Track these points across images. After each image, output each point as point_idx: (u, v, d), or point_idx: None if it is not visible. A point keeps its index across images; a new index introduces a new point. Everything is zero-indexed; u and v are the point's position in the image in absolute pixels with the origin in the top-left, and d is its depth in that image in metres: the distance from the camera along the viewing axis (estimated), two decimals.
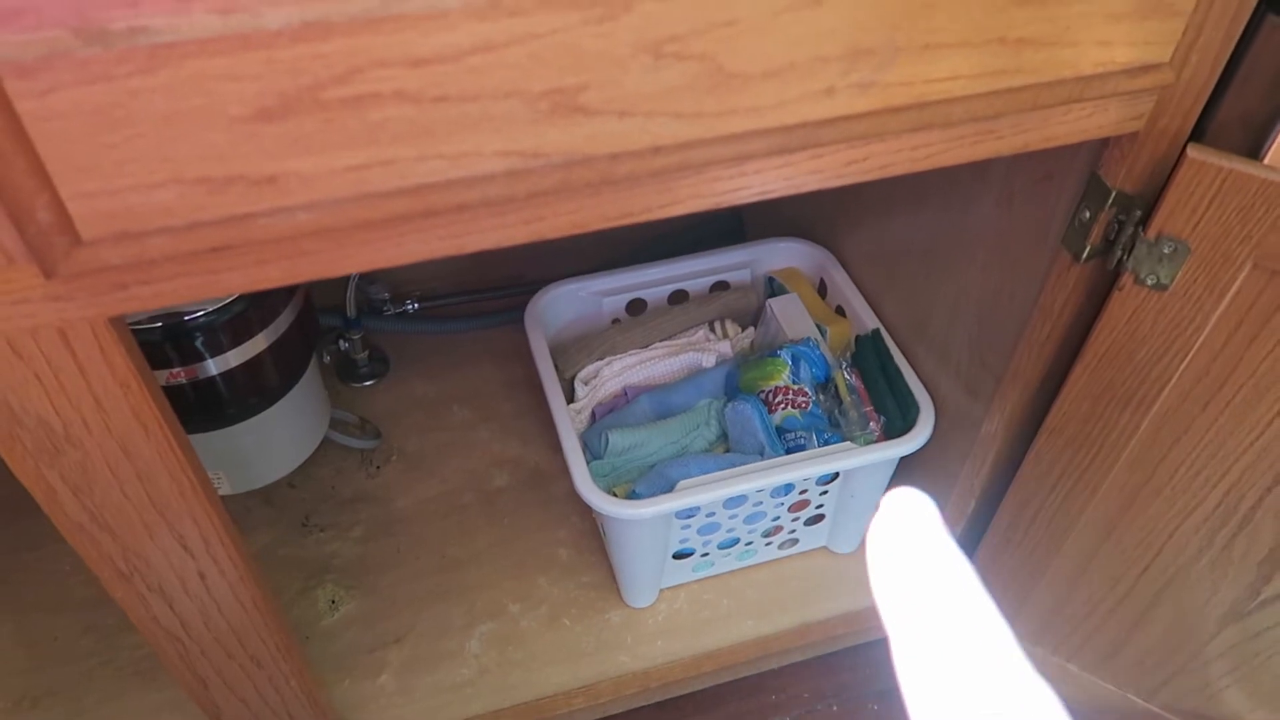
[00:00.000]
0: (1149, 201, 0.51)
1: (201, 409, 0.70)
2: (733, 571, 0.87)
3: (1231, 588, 0.63)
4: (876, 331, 0.83)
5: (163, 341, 0.64)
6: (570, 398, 0.87)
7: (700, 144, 0.40)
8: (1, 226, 0.34)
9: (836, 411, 0.81)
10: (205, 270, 0.38)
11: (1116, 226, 0.53)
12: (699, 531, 0.78)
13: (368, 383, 1.02)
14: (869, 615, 0.84)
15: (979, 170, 0.65)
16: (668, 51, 0.37)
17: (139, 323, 0.63)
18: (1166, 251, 0.51)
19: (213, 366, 0.67)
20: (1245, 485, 0.57)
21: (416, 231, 0.40)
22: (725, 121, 0.40)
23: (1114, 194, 0.52)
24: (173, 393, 0.67)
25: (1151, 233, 0.51)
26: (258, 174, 0.35)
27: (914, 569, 0.21)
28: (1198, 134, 0.50)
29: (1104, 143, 0.52)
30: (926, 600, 0.20)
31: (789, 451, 0.77)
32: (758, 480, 0.72)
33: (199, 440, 0.72)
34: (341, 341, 1.01)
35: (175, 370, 0.66)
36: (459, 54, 0.34)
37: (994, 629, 0.20)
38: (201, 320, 0.65)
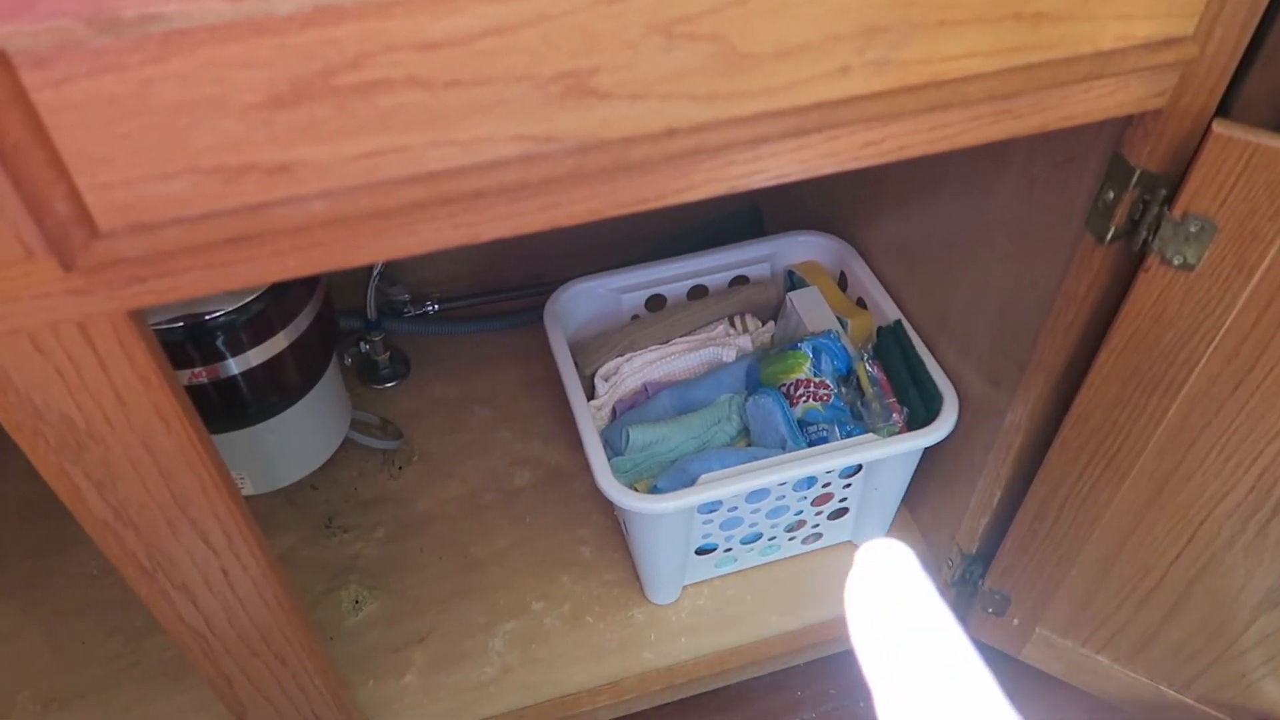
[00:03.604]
0: (1174, 180, 0.50)
1: (223, 408, 0.70)
2: (756, 567, 0.86)
3: (1266, 575, 0.62)
4: (898, 322, 0.82)
5: (184, 341, 0.65)
6: (591, 395, 0.87)
7: (715, 126, 0.40)
8: (20, 219, 0.34)
9: (859, 404, 0.80)
10: (221, 262, 0.38)
11: (1141, 207, 0.52)
12: (721, 526, 0.78)
13: (389, 384, 1.03)
14: None
15: (998, 156, 0.65)
16: (679, 32, 0.36)
17: (160, 322, 0.64)
18: (1193, 230, 0.50)
19: (234, 366, 0.68)
20: (1278, 469, 0.56)
21: (431, 220, 0.40)
22: (739, 103, 0.40)
23: (1138, 173, 0.51)
24: (195, 392, 0.67)
25: (1177, 212, 0.50)
26: (271, 162, 0.35)
27: (894, 619, 0.20)
28: (1223, 110, 0.49)
29: (1126, 121, 0.51)
30: (909, 652, 0.20)
31: (811, 444, 0.76)
32: (780, 474, 0.71)
33: (221, 440, 0.72)
34: (362, 344, 1.01)
35: (197, 370, 0.67)
36: (470, 37, 0.34)
37: (979, 679, 0.19)
38: (222, 319, 0.65)
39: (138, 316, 0.40)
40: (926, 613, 0.20)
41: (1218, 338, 0.53)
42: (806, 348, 0.81)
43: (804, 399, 0.79)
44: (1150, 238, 0.52)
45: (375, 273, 0.95)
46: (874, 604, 0.21)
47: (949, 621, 0.20)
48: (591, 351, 0.88)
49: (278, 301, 0.69)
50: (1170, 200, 0.50)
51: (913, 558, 0.21)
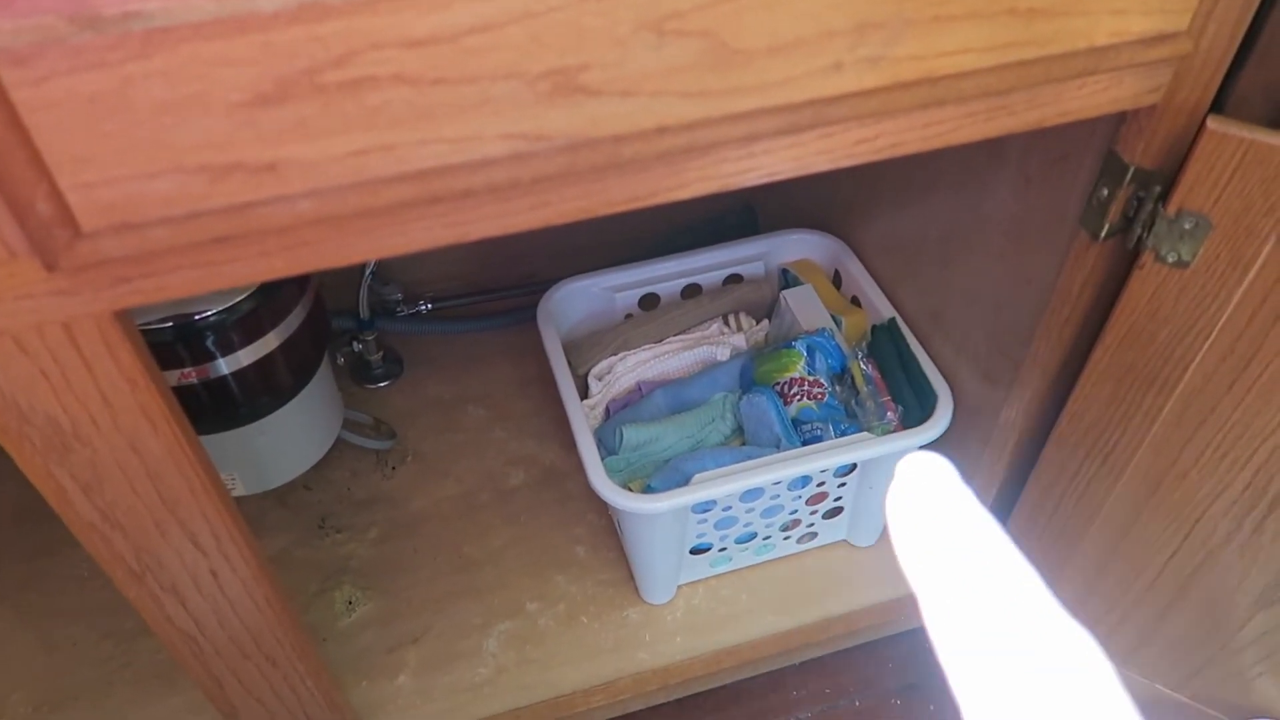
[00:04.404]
0: (1168, 177, 0.50)
1: (214, 409, 0.70)
2: (751, 566, 0.86)
3: (1262, 573, 0.62)
4: (893, 320, 0.82)
5: (174, 341, 0.64)
6: (584, 394, 0.86)
7: (706, 124, 0.40)
8: (2, 220, 0.33)
9: (853, 402, 0.80)
10: (207, 262, 0.38)
11: (1135, 204, 0.52)
12: (716, 526, 0.77)
13: (382, 384, 1.02)
14: (891, 609, 0.83)
15: (994, 153, 0.64)
16: (669, 28, 0.36)
17: (149, 322, 0.63)
18: (1187, 227, 0.50)
19: (224, 366, 0.67)
20: (1274, 466, 0.56)
21: (420, 219, 0.39)
22: (731, 100, 0.39)
23: (1132, 170, 0.51)
24: (185, 393, 0.67)
25: (1172, 209, 0.50)
26: (257, 161, 0.34)
27: (937, 527, 0.20)
28: (1218, 106, 0.49)
29: (1121, 118, 0.50)
30: (954, 557, 0.20)
31: (805, 443, 0.76)
32: (774, 473, 0.71)
33: (212, 441, 0.72)
34: (355, 343, 1.00)
35: (187, 370, 0.66)
36: (456, 34, 0.33)
37: (1025, 577, 0.19)
38: (212, 319, 0.65)
39: (123, 317, 0.40)
40: (968, 517, 0.20)
41: (1212, 335, 0.53)
42: (801, 346, 0.81)
43: (798, 398, 0.78)
44: (1145, 235, 0.51)
45: (368, 272, 0.95)
46: (917, 512, 0.21)
47: (991, 525, 0.20)
48: (585, 351, 0.88)
49: (268, 301, 0.68)
50: (1165, 197, 0.50)
51: (952, 469, 0.22)
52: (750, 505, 0.76)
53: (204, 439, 0.48)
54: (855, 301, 0.89)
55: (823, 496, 0.79)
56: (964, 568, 0.20)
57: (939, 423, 0.74)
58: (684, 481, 0.71)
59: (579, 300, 0.90)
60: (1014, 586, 0.19)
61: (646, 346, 0.88)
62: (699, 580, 0.85)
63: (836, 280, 0.92)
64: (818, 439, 0.76)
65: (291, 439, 0.79)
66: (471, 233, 0.40)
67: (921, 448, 0.75)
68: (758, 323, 0.92)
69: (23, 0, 0.29)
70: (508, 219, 0.40)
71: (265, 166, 0.35)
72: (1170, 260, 0.51)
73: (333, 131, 0.35)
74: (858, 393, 0.80)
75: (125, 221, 0.35)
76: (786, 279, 0.93)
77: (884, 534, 0.87)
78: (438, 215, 0.39)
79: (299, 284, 0.73)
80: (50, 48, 0.30)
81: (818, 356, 0.81)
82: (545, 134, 0.38)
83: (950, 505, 0.21)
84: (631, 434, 0.79)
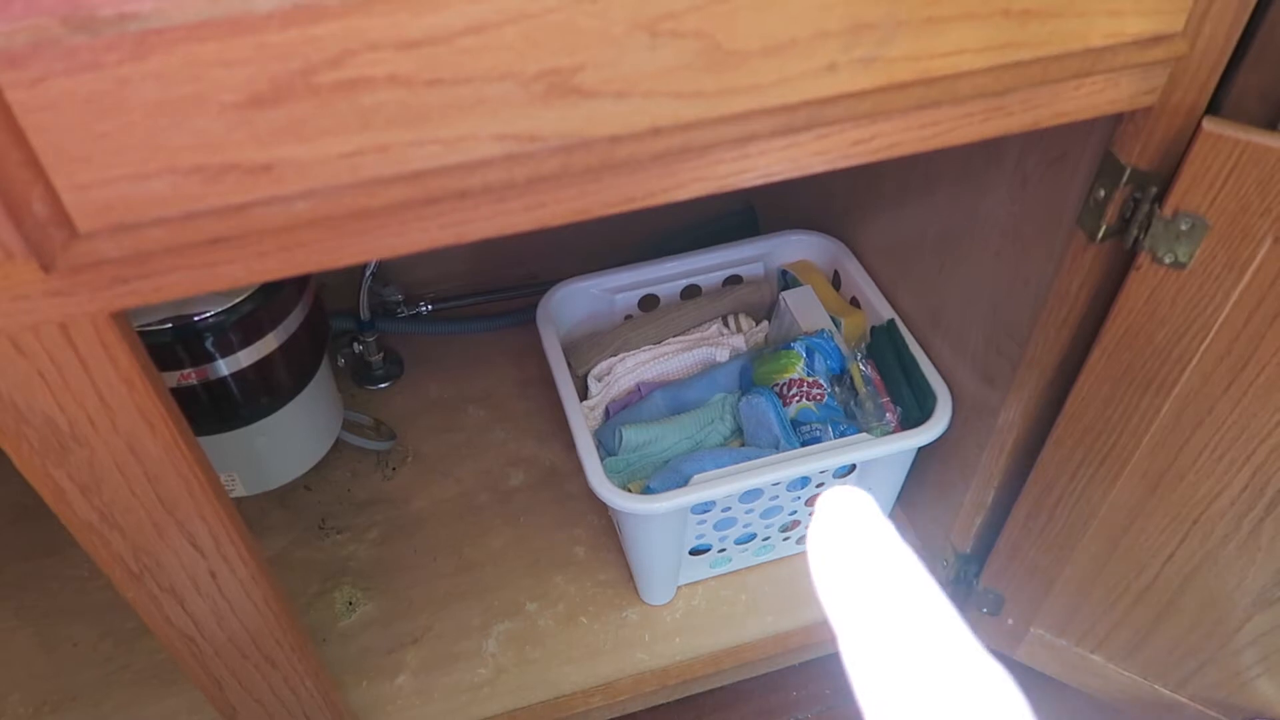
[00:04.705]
0: (1165, 178, 0.50)
1: (213, 410, 0.70)
2: (751, 567, 0.86)
3: (1260, 574, 0.62)
4: (891, 322, 0.82)
5: (173, 342, 0.64)
6: (584, 395, 0.87)
7: (701, 125, 0.40)
8: None
9: (852, 403, 0.80)
10: (204, 263, 0.38)
11: (1132, 205, 0.52)
12: (715, 527, 0.77)
13: (382, 385, 1.02)
14: None
15: (991, 154, 0.64)
16: (663, 29, 0.36)
17: (149, 323, 0.63)
18: (1184, 229, 0.50)
19: (224, 367, 0.67)
20: (1271, 468, 0.56)
21: (417, 220, 0.39)
22: (726, 101, 0.39)
23: (1129, 171, 0.51)
24: (184, 394, 0.67)
25: (1168, 210, 0.49)
26: (252, 162, 0.35)
27: (859, 565, 0.20)
28: (1214, 108, 0.49)
29: (1117, 119, 0.50)
30: (875, 595, 0.20)
31: (805, 444, 0.76)
32: (773, 473, 0.71)
33: (211, 442, 0.72)
34: (356, 344, 1.01)
35: (186, 371, 0.66)
36: (450, 35, 0.33)
37: (945, 618, 0.19)
38: (211, 320, 0.65)
39: (120, 318, 0.40)
40: (888, 554, 0.20)
41: (1210, 336, 0.53)
42: (800, 347, 0.81)
43: (797, 399, 0.78)
44: (1141, 236, 0.51)
45: (368, 273, 0.95)
46: (837, 548, 0.21)
47: (911, 560, 0.20)
48: (584, 352, 0.88)
49: (267, 302, 0.68)
50: (1161, 198, 0.50)
51: (873, 502, 0.22)
52: (749, 506, 0.76)
53: (204, 440, 0.48)
54: (854, 303, 0.89)
55: None
56: (882, 603, 0.19)
57: (938, 424, 0.74)
58: (683, 482, 0.72)
59: (579, 301, 0.90)
60: (932, 622, 0.19)
61: (646, 347, 0.88)
62: (698, 581, 0.85)
63: (836, 281, 0.92)
64: (817, 440, 0.76)
65: (291, 440, 0.79)
66: (468, 234, 0.40)
67: (921, 448, 0.76)
68: (757, 324, 0.92)
69: (17, 1, 0.29)
70: (504, 220, 0.40)
71: (260, 167, 0.35)
72: (1167, 261, 0.51)
73: (328, 132, 0.35)
74: (857, 394, 0.80)
75: (121, 222, 0.35)
76: (786, 280, 0.93)
77: None
78: (434, 216, 0.39)
79: (298, 285, 0.73)
80: (45, 49, 0.30)
81: (817, 358, 0.81)
82: (540, 135, 0.38)
83: (871, 541, 0.21)
84: (631, 435, 0.79)
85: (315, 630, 0.82)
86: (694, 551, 0.80)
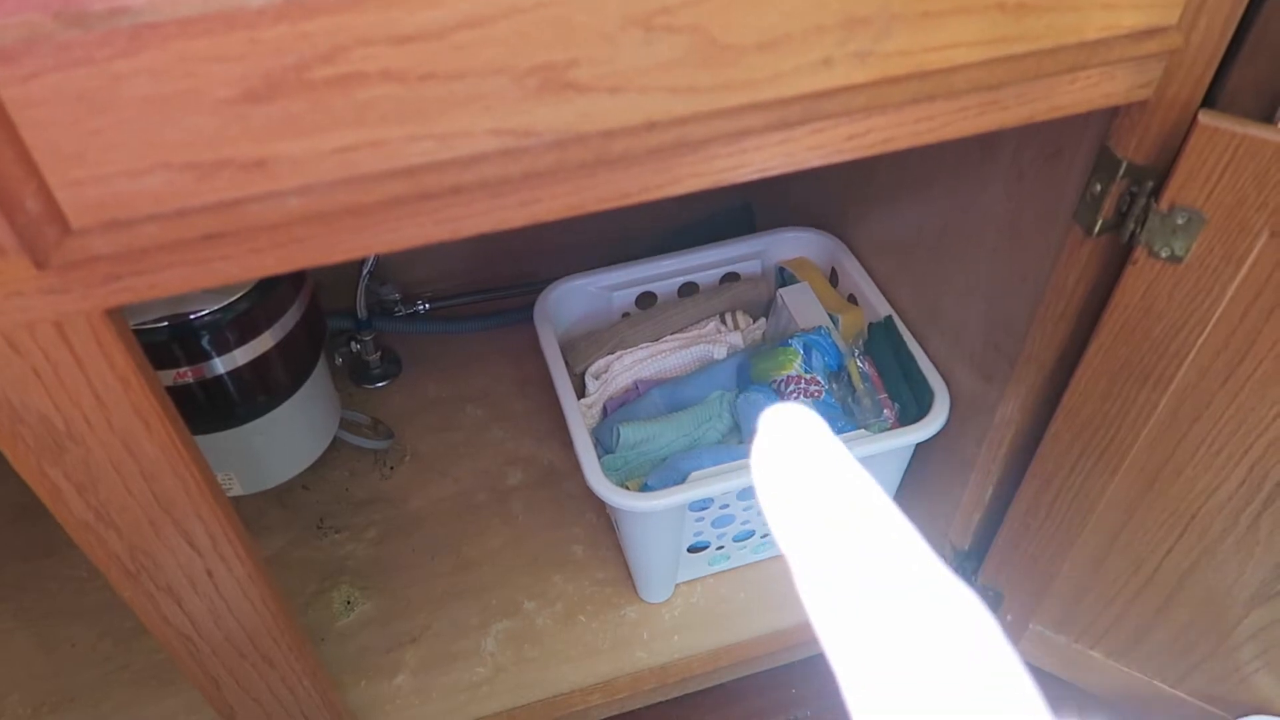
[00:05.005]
0: (1161, 172, 0.50)
1: (210, 409, 0.70)
2: (749, 565, 0.86)
3: (1258, 568, 0.62)
4: (889, 318, 0.82)
5: (169, 341, 0.64)
6: (581, 393, 0.86)
7: (696, 119, 0.40)
8: None
9: (850, 400, 0.80)
10: (199, 259, 0.38)
11: (1129, 199, 0.52)
12: (713, 524, 0.77)
13: (380, 384, 1.02)
14: None
15: (987, 149, 0.64)
16: (658, 24, 0.36)
17: (145, 321, 0.63)
18: (1180, 222, 0.50)
19: (220, 365, 0.67)
20: (1269, 461, 0.56)
21: (411, 215, 0.39)
22: (721, 96, 0.39)
23: (1125, 165, 0.51)
24: (181, 393, 0.67)
25: (1164, 204, 0.49)
26: (246, 158, 0.35)
27: (805, 477, 0.19)
28: (1209, 101, 0.49)
29: (1113, 113, 0.50)
30: (823, 506, 0.18)
31: None
32: None
33: (208, 441, 0.72)
34: (353, 343, 1.01)
35: (182, 370, 0.66)
36: (444, 30, 0.33)
37: (898, 525, 0.18)
38: (207, 318, 0.65)
39: (115, 316, 0.40)
40: (836, 464, 0.19)
41: (1207, 330, 0.53)
42: (797, 344, 0.81)
43: (795, 395, 0.78)
44: (1138, 230, 0.51)
45: (365, 272, 0.95)
46: (782, 462, 0.19)
47: (863, 474, 0.19)
48: (582, 350, 0.88)
49: (263, 300, 0.68)
50: (1157, 192, 0.50)
51: (821, 420, 0.20)
52: (748, 503, 0.76)
53: (200, 439, 0.48)
54: (852, 299, 0.89)
55: None
56: (834, 516, 0.18)
57: (935, 420, 0.74)
58: (681, 480, 0.71)
59: (576, 299, 0.90)
60: (887, 534, 0.18)
61: (643, 345, 0.88)
62: (697, 579, 0.85)
63: (833, 278, 0.92)
64: None
65: (288, 439, 0.79)
66: (463, 229, 0.40)
67: (918, 445, 0.75)
68: (754, 321, 0.92)
69: None
70: (499, 215, 0.40)
71: (254, 163, 0.35)
72: (1164, 255, 0.51)
73: (321, 128, 0.35)
74: (854, 390, 0.80)
75: (115, 219, 0.35)
76: (783, 277, 0.93)
77: None
78: (429, 212, 0.39)
79: (295, 283, 0.73)
80: (37, 45, 0.30)
81: (814, 354, 0.81)
82: (534, 130, 0.38)
83: (819, 455, 0.19)
84: (628, 433, 0.79)
85: (313, 630, 0.82)
86: (692, 549, 0.80)
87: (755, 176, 0.43)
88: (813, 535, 0.18)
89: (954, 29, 0.40)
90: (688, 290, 0.94)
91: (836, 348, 0.82)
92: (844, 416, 0.78)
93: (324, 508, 0.92)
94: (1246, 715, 0.71)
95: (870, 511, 0.18)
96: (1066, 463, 0.64)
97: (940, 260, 0.75)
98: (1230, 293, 0.51)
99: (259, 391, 0.72)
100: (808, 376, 0.79)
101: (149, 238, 0.36)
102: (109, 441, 0.43)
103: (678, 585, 0.85)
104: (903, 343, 0.80)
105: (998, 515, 0.72)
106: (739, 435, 0.81)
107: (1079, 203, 0.55)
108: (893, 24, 0.39)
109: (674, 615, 0.83)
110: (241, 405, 0.72)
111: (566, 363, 0.83)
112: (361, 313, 0.97)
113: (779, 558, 0.86)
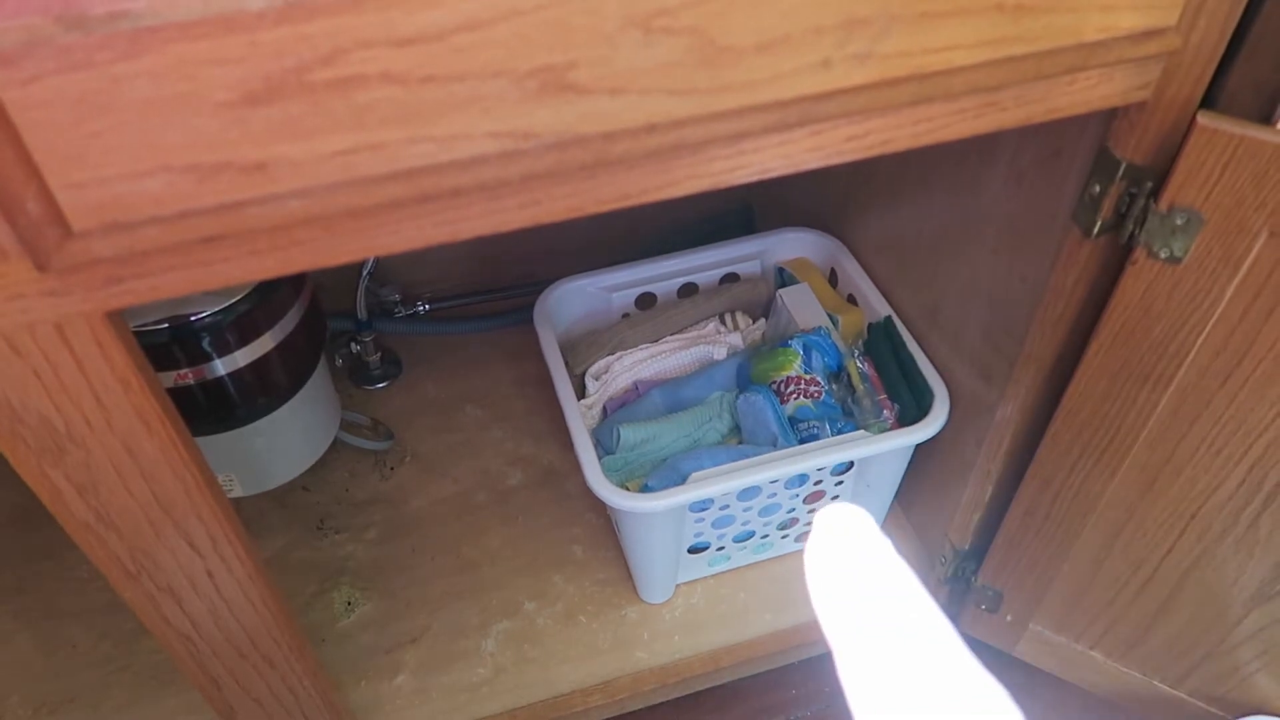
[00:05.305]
0: (1160, 173, 0.50)
1: (210, 410, 0.70)
2: (749, 565, 0.86)
3: (1258, 568, 0.62)
4: (889, 319, 0.82)
5: (169, 342, 0.64)
6: (581, 394, 0.87)
7: (695, 121, 0.40)
8: None
9: (850, 400, 0.80)
10: (199, 261, 0.38)
11: (1128, 200, 0.52)
12: (713, 525, 0.77)
13: (380, 385, 1.02)
14: None
15: (986, 150, 0.64)
16: (657, 26, 0.36)
17: (145, 323, 0.63)
18: (1179, 223, 0.50)
19: (220, 367, 0.67)
20: (1269, 462, 0.56)
21: (411, 218, 0.39)
22: (720, 98, 0.39)
23: (1123, 166, 0.51)
24: (181, 394, 0.67)
25: (1163, 204, 0.50)
26: (246, 160, 0.35)
27: (857, 581, 0.20)
28: (1208, 102, 0.49)
29: (1112, 114, 0.50)
30: (872, 611, 0.19)
31: (802, 442, 0.76)
32: (771, 471, 0.71)
33: (209, 442, 0.72)
34: (353, 344, 1.01)
35: (183, 371, 0.66)
36: (444, 33, 0.33)
37: (943, 633, 0.19)
38: (208, 320, 0.65)
39: (116, 318, 0.40)
40: (888, 572, 0.20)
41: (1206, 330, 0.53)
42: (797, 345, 0.81)
43: (795, 396, 0.78)
44: (1137, 231, 0.51)
45: (365, 273, 0.95)
46: (835, 566, 0.20)
47: (910, 580, 0.20)
48: (582, 351, 0.88)
49: (264, 302, 0.68)
50: (1156, 193, 0.50)
51: (871, 520, 0.21)
52: (748, 504, 0.76)
53: (201, 440, 0.48)
54: (851, 300, 0.89)
55: (820, 495, 0.79)
56: (880, 621, 0.19)
57: (935, 421, 0.74)
58: (681, 480, 0.72)
59: (576, 300, 0.90)
60: (930, 639, 0.19)
61: (643, 346, 0.88)
62: (697, 579, 0.85)
63: (833, 279, 0.92)
64: (814, 437, 0.76)
65: (289, 440, 0.79)
66: (462, 231, 0.40)
67: (918, 445, 0.76)
68: (754, 321, 0.92)
69: (10, 0, 0.29)
70: (498, 217, 0.40)
71: (254, 165, 0.35)
72: (1163, 256, 0.51)
73: (321, 130, 0.35)
74: (854, 391, 0.80)
75: (115, 221, 0.35)
76: (783, 278, 0.93)
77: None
78: (428, 214, 0.39)
79: (295, 285, 0.73)
80: (38, 48, 0.30)
81: (814, 355, 0.81)
82: (534, 132, 0.38)
83: (869, 558, 0.20)
84: (628, 433, 0.79)
85: (314, 630, 0.82)
86: (692, 550, 0.80)
87: (754, 178, 0.43)
88: (862, 641, 0.19)
89: (953, 30, 0.41)
90: (687, 291, 0.94)
91: (836, 348, 0.82)
92: (844, 417, 0.78)
93: (324, 508, 0.92)
94: (1246, 715, 0.71)
95: (919, 622, 0.19)
96: (1066, 463, 0.64)
97: (939, 260, 0.75)
98: (1229, 293, 0.51)
99: (259, 393, 0.72)
100: (807, 377, 0.79)
101: (150, 240, 0.36)
102: (110, 443, 0.43)
103: (678, 586, 0.85)
104: (902, 343, 0.80)
105: (997, 515, 0.73)
106: (739, 436, 0.81)
107: (1078, 203, 0.55)
108: (891, 25, 0.39)
109: (674, 616, 0.83)
110: (242, 406, 0.72)
111: (566, 363, 0.83)
112: (361, 314, 0.97)
113: (779, 558, 0.86)
